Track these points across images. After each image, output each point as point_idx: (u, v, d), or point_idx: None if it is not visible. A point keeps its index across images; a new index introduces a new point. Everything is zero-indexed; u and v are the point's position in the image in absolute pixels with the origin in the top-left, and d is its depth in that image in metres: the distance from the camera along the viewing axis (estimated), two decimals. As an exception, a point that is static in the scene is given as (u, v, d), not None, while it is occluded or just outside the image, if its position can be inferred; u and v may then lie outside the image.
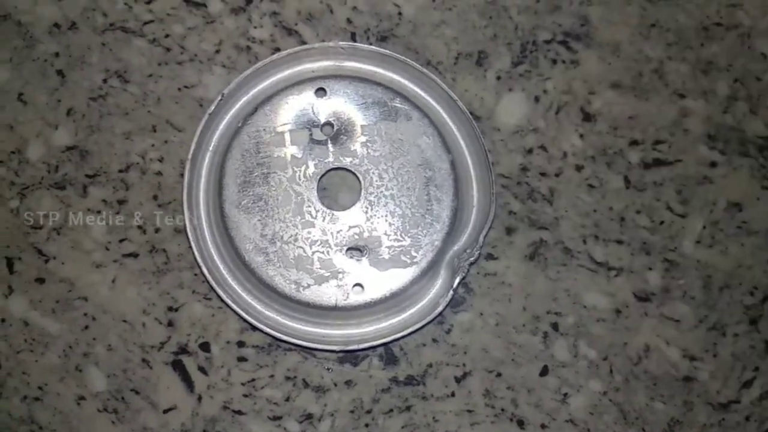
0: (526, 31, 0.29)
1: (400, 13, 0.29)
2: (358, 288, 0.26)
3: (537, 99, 0.29)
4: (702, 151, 0.29)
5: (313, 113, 0.27)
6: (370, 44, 0.28)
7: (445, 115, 0.28)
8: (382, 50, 0.28)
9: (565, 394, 0.27)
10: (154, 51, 0.29)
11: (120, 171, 0.28)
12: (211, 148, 0.27)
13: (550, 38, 0.29)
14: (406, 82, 0.28)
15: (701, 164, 0.29)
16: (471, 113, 0.28)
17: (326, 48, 0.28)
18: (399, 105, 0.27)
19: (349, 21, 0.29)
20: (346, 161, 0.27)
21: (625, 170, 0.29)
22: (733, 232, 0.29)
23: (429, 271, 0.27)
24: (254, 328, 0.27)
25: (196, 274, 0.27)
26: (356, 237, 0.26)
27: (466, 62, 0.29)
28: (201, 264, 0.26)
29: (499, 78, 0.29)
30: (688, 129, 0.29)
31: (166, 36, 0.29)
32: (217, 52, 0.29)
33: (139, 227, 0.28)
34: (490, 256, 0.28)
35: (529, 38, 0.29)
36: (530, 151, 0.29)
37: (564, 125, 0.29)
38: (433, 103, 0.28)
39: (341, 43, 0.28)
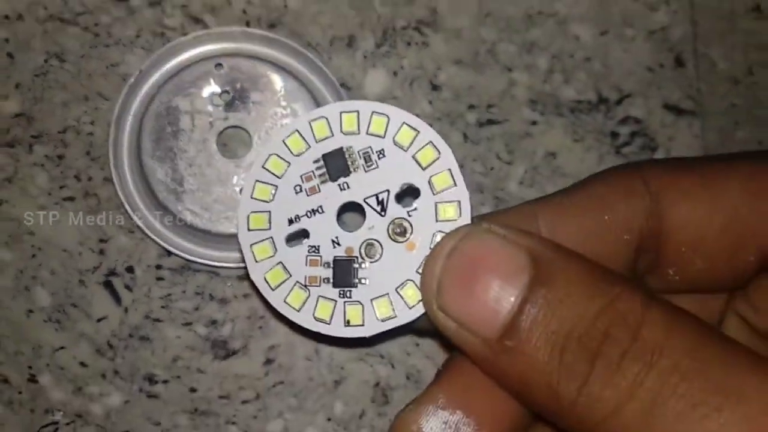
0: (386, 19, 0.37)
1: (285, 6, 0.36)
2: (249, 218, 0.34)
3: (395, 73, 0.37)
4: (525, 113, 0.37)
5: (213, 83, 0.34)
6: (261, 30, 0.36)
7: (319, 85, 0.35)
8: (269, 34, 0.35)
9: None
10: (86, 36, 0.36)
11: (59, 132, 0.35)
12: (131, 113, 0.34)
13: (406, 25, 0.37)
14: (290, 60, 0.35)
15: (524, 123, 0.37)
16: (343, 85, 0.36)
17: (224, 32, 0.35)
18: (281, 77, 0.34)
19: (244, 11, 0.36)
20: (239, 121, 0.34)
21: (464, 128, 0.37)
22: (549, 175, 0.37)
23: (306, 206, 0.34)
24: (169, 253, 0.34)
25: (121, 213, 0.34)
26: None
27: (339, 44, 0.37)
28: (125, 203, 0.33)
29: (365, 57, 0.37)
30: (514, 95, 0.37)
31: (96, 24, 0.36)
32: (138, 37, 0.36)
33: (75, 177, 0.35)
34: (358, 196, 0.36)
35: (389, 25, 0.37)
36: (390, 114, 0.36)
37: (416, 94, 0.37)
38: (310, 75, 0.35)
39: (236, 28, 0.35)
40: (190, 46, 0.35)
